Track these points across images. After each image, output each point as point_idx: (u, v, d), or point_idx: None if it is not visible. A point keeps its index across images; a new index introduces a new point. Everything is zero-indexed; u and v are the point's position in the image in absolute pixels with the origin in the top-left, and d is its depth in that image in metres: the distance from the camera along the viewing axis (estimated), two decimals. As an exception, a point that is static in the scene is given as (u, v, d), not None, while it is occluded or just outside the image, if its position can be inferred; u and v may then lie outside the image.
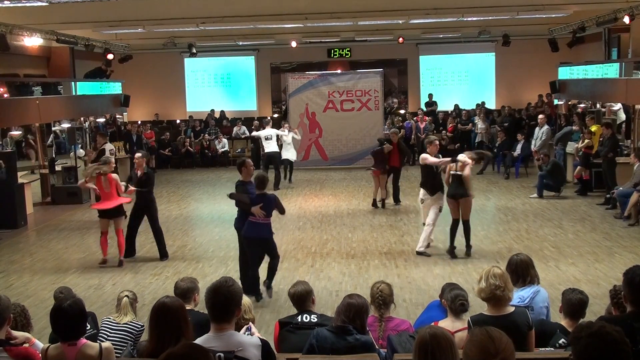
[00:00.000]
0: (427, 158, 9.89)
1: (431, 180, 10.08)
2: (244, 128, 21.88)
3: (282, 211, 8.34)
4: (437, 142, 10.26)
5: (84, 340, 3.90)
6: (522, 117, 20.51)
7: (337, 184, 17.08)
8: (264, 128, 17.08)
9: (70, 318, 3.86)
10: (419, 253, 9.95)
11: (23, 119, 14.71)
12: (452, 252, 9.76)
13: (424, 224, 10.43)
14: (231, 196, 8.47)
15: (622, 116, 16.44)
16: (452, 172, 9.62)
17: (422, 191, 10.35)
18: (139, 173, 10.21)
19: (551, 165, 14.29)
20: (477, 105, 21.55)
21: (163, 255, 10.32)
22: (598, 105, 16.98)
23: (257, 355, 3.46)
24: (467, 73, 23.73)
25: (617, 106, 16.36)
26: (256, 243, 8.08)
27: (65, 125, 16.72)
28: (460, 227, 9.75)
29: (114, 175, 10.09)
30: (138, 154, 10.62)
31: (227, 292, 3.49)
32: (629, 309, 3.77)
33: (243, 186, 8.50)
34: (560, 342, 4.48)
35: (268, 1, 13.83)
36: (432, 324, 4.37)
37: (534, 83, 21.75)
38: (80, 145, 17.33)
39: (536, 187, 14.45)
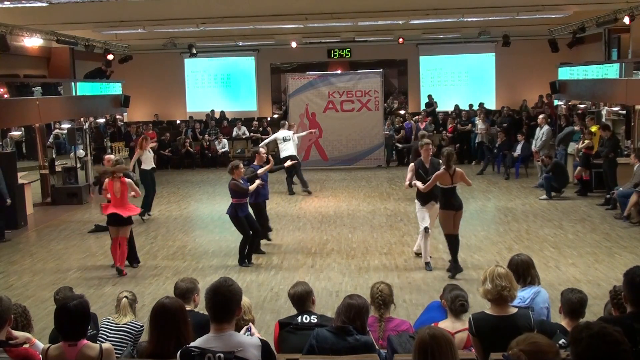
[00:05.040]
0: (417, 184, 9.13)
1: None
2: (244, 128, 21.88)
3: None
4: (431, 146, 9.33)
5: (84, 341, 3.90)
6: (522, 117, 20.50)
7: (337, 184, 17.07)
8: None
9: (74, 318, 3.87)
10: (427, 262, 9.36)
11: (23, 119, 14.69)
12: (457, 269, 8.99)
13: (416, 253, 9.84)
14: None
15: None
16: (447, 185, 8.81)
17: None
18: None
19: (553, 166, 14.29)
20: (470, 105, 21.53)
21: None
22: (601, 109, 16.78)
23: (257, 355, 3.45)
24: (467, 73, 23.73)
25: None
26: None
27: (66, 126, 16.69)
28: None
29: (128, 180, 9.63)
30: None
31: (227, 292, 3.49)
32: (629, 309, 3.76)
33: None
34: (561, 342, 4.47)
35: (268, 1, 13.81)
36: (432, 324, 4.36)
37: (534, 83, 21.75)
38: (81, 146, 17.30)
39: (537, 187, 14.40)
